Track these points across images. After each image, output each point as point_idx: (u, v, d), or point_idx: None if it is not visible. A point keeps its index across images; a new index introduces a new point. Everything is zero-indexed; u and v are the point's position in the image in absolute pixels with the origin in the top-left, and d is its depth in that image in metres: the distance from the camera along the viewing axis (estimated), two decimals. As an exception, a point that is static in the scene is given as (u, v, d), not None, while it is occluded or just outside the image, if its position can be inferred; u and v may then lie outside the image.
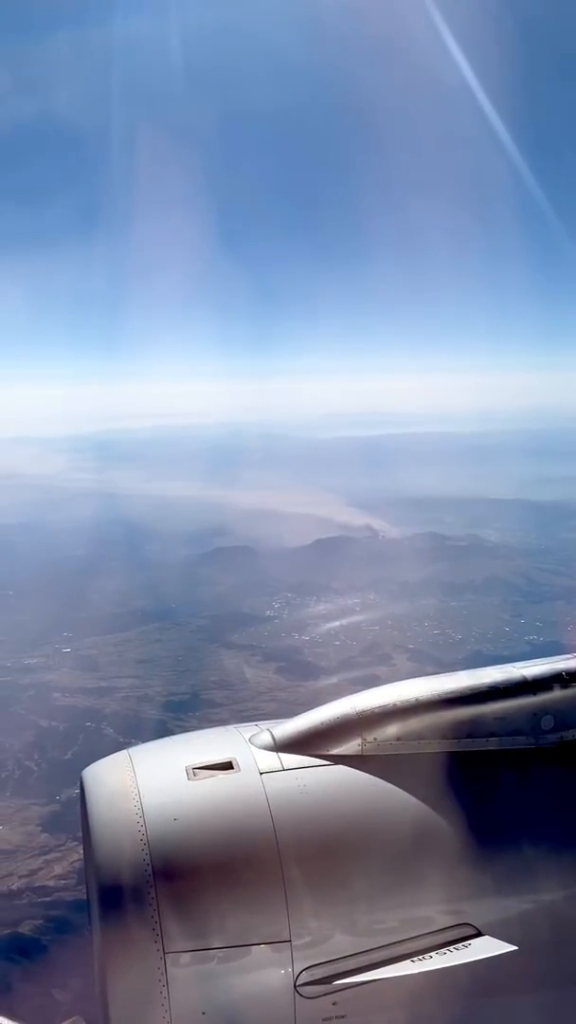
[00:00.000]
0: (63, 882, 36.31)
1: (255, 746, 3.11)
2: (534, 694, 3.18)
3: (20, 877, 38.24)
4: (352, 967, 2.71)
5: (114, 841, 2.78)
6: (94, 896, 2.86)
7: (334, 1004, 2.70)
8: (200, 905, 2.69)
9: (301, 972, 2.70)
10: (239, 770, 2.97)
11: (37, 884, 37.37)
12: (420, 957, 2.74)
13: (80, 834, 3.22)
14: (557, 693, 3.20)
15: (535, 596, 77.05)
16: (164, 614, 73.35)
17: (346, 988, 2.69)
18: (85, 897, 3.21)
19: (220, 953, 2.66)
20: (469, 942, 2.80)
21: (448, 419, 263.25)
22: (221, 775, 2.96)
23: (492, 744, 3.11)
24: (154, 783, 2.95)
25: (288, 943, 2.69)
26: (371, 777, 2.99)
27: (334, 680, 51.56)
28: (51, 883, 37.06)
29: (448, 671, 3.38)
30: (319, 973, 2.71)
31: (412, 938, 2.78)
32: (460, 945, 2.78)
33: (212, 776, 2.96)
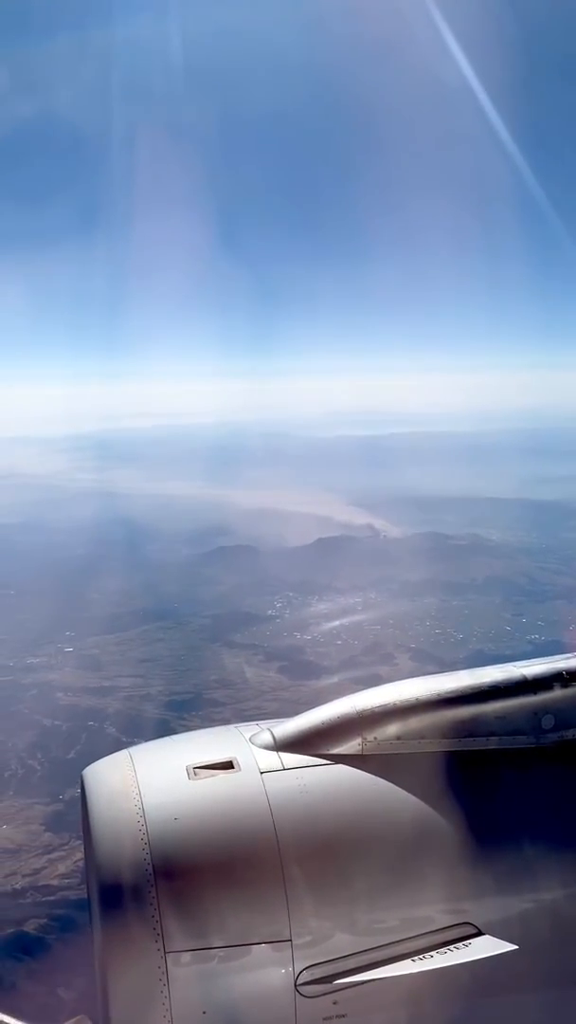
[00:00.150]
0: (67, 881, 36.38)
1: (255, 745, 3.11)
2: (534, 693, 3.18)
3: (24, 876, 38.33)
4: (353, 966, 2.71)
5: (115, 840, 2.78)
6: (95, 895, 2.86)
7: (335, 1003, 2.70)
8: (201, 904, 2.70)
9: (302, 971, 2.70)
10: (239, 769, 2.97)
11: (41, 883, 37.46)
12: (421, 956, 2.74)
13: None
14: (557, 692, 3.20)
15: (537, 595, 77.00)
16: (166, 613, 73.40)
17: (347, 987, 2.69)
18: (87, 896, 3.22)
19: (221, 952, 2.66)
20: (470, 941, 2.79)
21: (449, 418, 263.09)
22: (222, 774, 2.96)
23: (492, 743, 3.11)
24: (154, 782, 2.95)
25: (289, 942, 2.70)
26: (371, 776, 2.99)
27: (336, 679, 51.60)
28: (55, 882, 37.15)
29: (450, 670, 3.38)
30: (320, 972, 2.71)
31: (413, 937, 2.78)
32: (461, 944, 2.78)
33: (213, 775, 2.96)
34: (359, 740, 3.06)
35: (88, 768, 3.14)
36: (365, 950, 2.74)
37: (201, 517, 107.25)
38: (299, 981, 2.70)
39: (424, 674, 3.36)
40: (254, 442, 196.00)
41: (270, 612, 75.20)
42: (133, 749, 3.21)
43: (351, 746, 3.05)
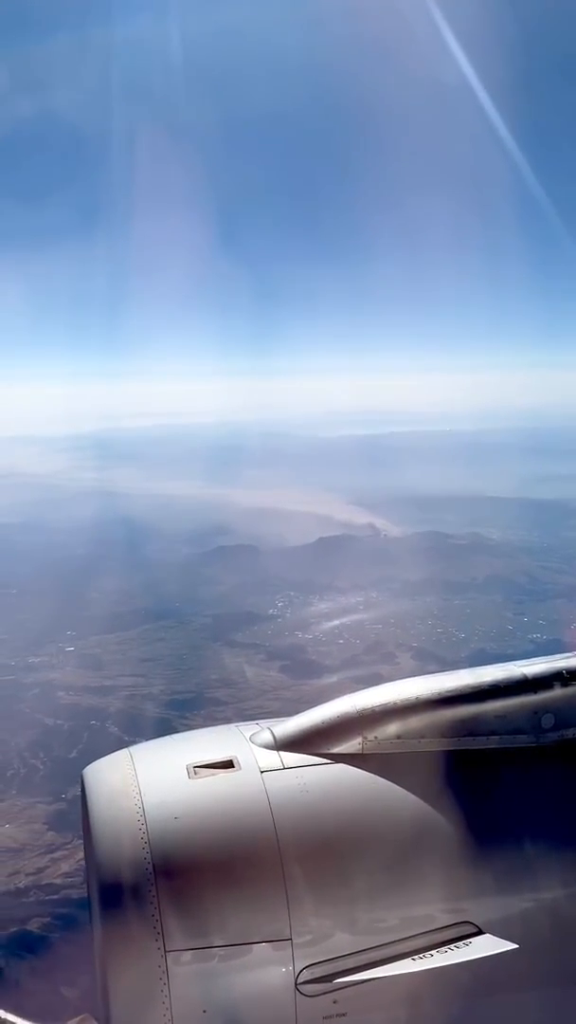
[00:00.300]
0: (70, 880, 36.46)
1: (256, 744, 3.11)
2: (535, 692, 3.18)
3: (27, 875, 38.43)
4: (353, 965, 2.71)
5: (115, 839, 2.78)
6: (95, 894, 2.86)
7: (335, 1002, 2.70)
8: (201, 903, 2.70)
9: (302, 970, 2.70)
10: (240, 768, 2.97)
11: (44, 882, 37.55)
12: (421, 955, 2.74)
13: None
14: (558, 691, 3.19)
15: (538, 594, 77.03)
16: (167, 613, 73.47)
17: (347, 986, 2.69)
18: (87, 895, 3.22)
19: (221, 951, 2.66)
20: (470, 940, 2.79)
21: (449, 418, 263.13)
22: (222, 773, 2.96)
23: (493, 742, 3.11)
24: (155, 781, 2.94)
25: (289, 941, 2.70)
26: (372, 776, 2.99)
27: (337, 679, 51.69)
28: (58, 881, 37.23)
29: (451, 669, 3.38)
30: (320, 971, 2.71)
31: (413, 936, 2.78)
32: (461, 943, 2.78)
33: (213, 775, 2.95)
34: (359, 739, 3.05)
35: (88, 767, 3.14)
36: (365, 949, 2.74)
37: (201, 517, 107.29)
38: (299, 980, 2.70)
39: (425, 673, 3.35)
40: (254, 442, 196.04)
41: (271, 611, 75.24)
42: (133, 748, 3.21)
43: (351, 745, 3.05)
